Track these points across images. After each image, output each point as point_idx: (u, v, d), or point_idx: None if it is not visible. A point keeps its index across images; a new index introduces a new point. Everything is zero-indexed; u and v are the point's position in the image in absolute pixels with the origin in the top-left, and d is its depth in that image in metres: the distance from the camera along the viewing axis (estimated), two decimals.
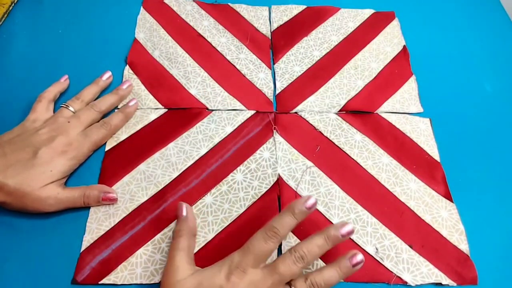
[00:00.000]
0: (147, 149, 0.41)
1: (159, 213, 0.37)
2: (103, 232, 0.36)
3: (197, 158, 0.40)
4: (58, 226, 0.36)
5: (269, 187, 0.39)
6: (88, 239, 0.35)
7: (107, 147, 0.40)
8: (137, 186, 0.38)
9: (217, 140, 0.42)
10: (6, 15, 0.50)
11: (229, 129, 0.42)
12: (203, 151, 0.41)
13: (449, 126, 0.45)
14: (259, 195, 0.39)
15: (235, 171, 0.40)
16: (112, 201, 0.37)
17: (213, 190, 0.39)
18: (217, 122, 0.43)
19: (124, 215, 0.37)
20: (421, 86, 0.48)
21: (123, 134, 0.41)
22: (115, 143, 0.41)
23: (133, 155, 0.40)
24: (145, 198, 0.38)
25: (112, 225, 0.36)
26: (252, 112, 0.44)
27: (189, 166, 0.40)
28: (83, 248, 0.35)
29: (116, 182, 0.39)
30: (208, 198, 0.38)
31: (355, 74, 0.48)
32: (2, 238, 0.35)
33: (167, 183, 0.39)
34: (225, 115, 0.43)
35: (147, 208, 0.37)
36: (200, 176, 0.39)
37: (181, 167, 0.40)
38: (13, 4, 0.51)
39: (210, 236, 0.36)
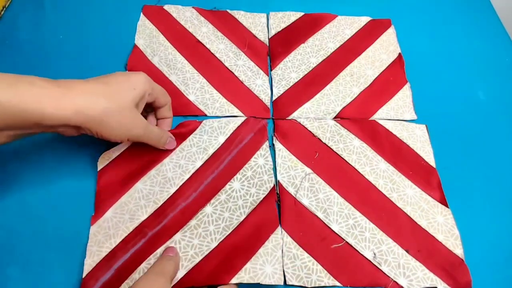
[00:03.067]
0: (142, 167, 0.40)
1: (160, 228, 0.37)
2: (104, 254, 0.35)
3: (193, 171, 0.40)
4: (58, 250, 0.36)
5: (266, 193, 0.40)
6: (89, 263, 0.35)
7: (100, 167, 0.40)
8: (136, 205, 0.38)
9: (211, 151, 0.42)
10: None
11: (222, 139, 0.43)
12: (199, 163, 0.41)
13: (443, 133, 0.46)
14: (258, 201, 0.39)
15: (232, 179, 0.40)
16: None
17: (212, 200, 0.39)
18: (209, 133, 0.43)
19: (125, 234, 0.36)
20: (415, 93, 0.48)
21: (115, 152, 0.41)
22: (107, 162, 0.40)
23: (128, 174, 0.40)
24: (145, 216, 0.37)
25: (113, 246, 0.36)
26: (243, 118, 0.44)
27: (186, 180, 0.40)
28: (85, 273, 0.34)
29: (114, 203, 0.38)
30: (208, 208, 0.38)
31: (350, 81, 0.49)
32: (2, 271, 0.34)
33: (166, 199, 0.39)
34: (216, 124, 0.43)
35: (148, 225, 0.37)
36: (198, 188, 0.40)
37: (178, 182, 0.40)
38: (4, 9, 0.51)
39: (213, 245, 0.36)
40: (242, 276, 0.34)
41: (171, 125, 0.42)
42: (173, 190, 0.39)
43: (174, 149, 0.42)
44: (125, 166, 0.40)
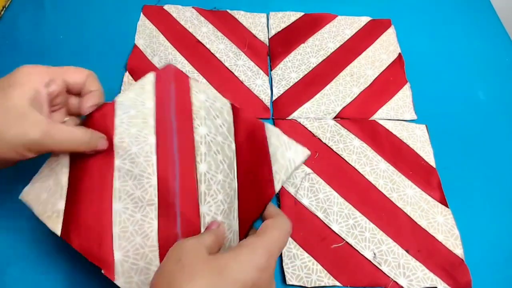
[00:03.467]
0: (100, 188, 0.32)
1: (181, 219, 0.31)
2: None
3: (154, 149, 0.32)
4: None
5: (231, 113, 0.36)
6: None
7: (56, 230, 0.30)
8: (136, 224, 0.31)
9: (151, 121, 0.34)
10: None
11: (150, 103, 0.35)
12: (151, 139, 0.33)
13: (443, 133, 0.46)
14: (232, 124, 0.36)
15: (194, 127, 0.34)
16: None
17: (197, 158, 0.33)
18: (133, 106, 0.35)
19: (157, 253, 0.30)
20: (415, 93, 0.48)
21: (56, 200, 0.31)
22: (59, 220, 0.31)
23: (97, 206, 0.31)
24: (156, 224, 0.31)
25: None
26: (152, 76, 0.37)
27: (156, 165, 0.32)
28: None
29: (112, 243, 0.30)
30: (201, 167, 0.33)
31: (350, 81, 0.49)
32: None
33: (156, 193, 0.32)
34: (132, 95, 0.35)
35: (166, 227, 0.31)
36: (174, 160, 0.32)
37: (150, 170, 0.32)
38: (4, 9, 0.51)
39: (236, 189, 0.33)
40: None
41: (101, 97, 0.33)
42: (154, 179, 0.32)
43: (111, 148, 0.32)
44: (82, 204, 0.31)
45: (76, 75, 0.31)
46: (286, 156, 0.33)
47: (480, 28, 0.57)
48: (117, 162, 0.32)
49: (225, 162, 0.34)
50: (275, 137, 0.35)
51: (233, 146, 0.35)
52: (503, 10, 0.61)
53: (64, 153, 0.31)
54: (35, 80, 0.29)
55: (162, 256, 0.30)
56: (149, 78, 0.37)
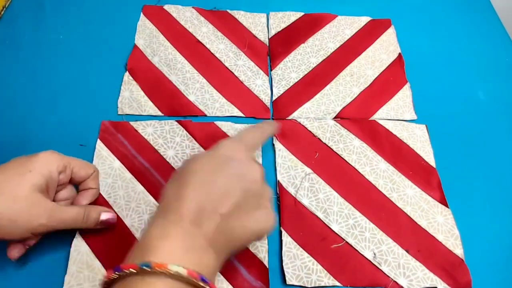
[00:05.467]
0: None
1: None
2: None
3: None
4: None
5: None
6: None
7: None
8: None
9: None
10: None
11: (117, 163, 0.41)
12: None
13: (443, 133, 0.46)
14: None
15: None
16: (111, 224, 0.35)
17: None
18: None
19: None
20: (415, 93, 0.48)
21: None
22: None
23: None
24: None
25: None
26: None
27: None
28: None
29: None
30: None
31: (350, 81, 0.49)
32: None
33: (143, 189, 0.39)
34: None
35: None
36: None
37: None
38: (4, 9, 0.51)
39: None
40: None
41: (96, 196, 0.36)
42: (140, 187, 0.39)
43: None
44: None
45: (83, 171, 0.35)
46: None
47: (480, 28, 0.57)
48: (127, 221, 0.37)
49: None
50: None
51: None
52: (503, 10, 0.61)
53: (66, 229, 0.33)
54: (52, 167, 0.32)
55: None
56: (99, 148, 0.41)
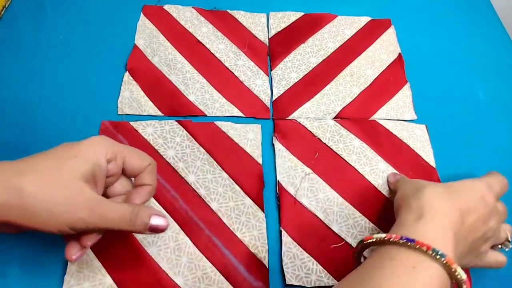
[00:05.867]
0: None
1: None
2: None
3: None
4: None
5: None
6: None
7: None
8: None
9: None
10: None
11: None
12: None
13: (443, 133, 0.46)
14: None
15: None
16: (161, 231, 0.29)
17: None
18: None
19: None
20: (415, 93, 0.48)
21: None
22: None
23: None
24: None
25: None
26: None
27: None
28: None
29: None
30: (190, 178, 0.40)
31: (350, 81, 0.49)
32: None
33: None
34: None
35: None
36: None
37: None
38: (4, 9, 0.51)
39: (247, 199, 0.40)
40: None
41: (152, 194, 0.32)
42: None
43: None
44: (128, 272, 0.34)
45: (137, 161, 0.31)
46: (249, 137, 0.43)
47: (480, 28, 0.57)
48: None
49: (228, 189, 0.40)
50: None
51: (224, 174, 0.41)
52: (503, 10, 0.61)
53: (108, 230, 0.29)
54: (100, 153, 0.28)
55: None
56: None
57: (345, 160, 0.43)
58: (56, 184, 0.26)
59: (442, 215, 0.29)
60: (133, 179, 0.33)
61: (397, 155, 0.43)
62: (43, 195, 0.25)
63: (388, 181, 0.41)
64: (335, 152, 0.43)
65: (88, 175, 0.27)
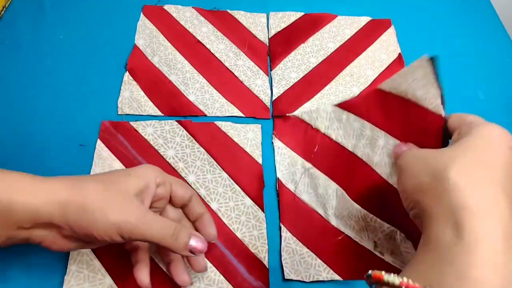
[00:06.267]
0: None
1: None
2: None
3: None
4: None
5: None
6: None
7: None
8: None
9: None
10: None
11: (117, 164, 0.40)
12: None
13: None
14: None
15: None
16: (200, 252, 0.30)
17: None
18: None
19: None
20: None
21: None
22: None
23: None
24: None
25: None
26: None
27: None
28: None
29: None
30: (190, 178, 0.40)
31: (350, 81, 0.49)
32: None
33: None
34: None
35: None
36: None
37: None
38: (4, 9, 0.51)
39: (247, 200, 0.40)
40: None
41: (213, 222, 0.34)
42: None
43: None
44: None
45: (181, 190, 0.33)
46: None
47: (480, 28, 0.57)
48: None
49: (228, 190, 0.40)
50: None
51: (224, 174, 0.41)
52: (503, 10, 0.61)
53: (152, 243, 0.30)
54: (150, 176, 0.31)
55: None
56: (99, 148, 0.41)
57: (345, 147, 0.40)
58: (113, 191, 0.28)
59: (490, 221, 0.21)
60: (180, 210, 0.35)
61: (408, 129, 0.34)
62: (102, 196, 0.27)
63: (392, 157, 0.32)
64: (334, 141, 0.41)
65: (138, 191, 0.29)
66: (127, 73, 0.47)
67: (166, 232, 0.28)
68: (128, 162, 0.40)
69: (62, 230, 0.27)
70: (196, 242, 0.30)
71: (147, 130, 0.43)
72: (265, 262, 0.36)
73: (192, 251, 0.29)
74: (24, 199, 0.25)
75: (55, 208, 0.25)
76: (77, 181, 0.28)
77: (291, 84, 0.48)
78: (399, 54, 0.52)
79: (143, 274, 0.30)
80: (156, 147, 0.42)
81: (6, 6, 0.52)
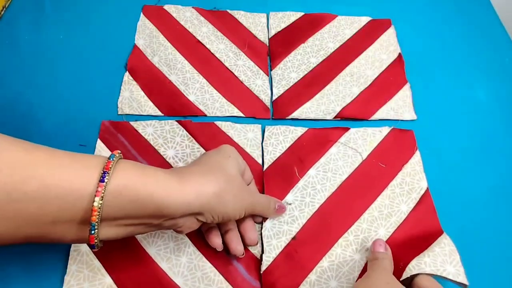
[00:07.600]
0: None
1: None
2: None
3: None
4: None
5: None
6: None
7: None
8: None
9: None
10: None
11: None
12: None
13: (443, 132, 0.46)
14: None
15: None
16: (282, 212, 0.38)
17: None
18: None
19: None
20: (415, 93, 0.48)
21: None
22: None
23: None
24: None
25: None
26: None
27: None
28: None
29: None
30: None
31: (350, 81, 0.49)
32: None
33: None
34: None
35: None
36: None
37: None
38: (4, 9, 0.51)
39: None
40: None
41: (255, 227, 0.38)
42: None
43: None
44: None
45: (248, 172, 0.38)
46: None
47: (480, 28, 0.57)
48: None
49: None
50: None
51: None
52: (503, 10, 0.61)
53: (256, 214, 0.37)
54: (236, 155, 0.35)
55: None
56: (99, 148, 0.41)
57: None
58: (232, 176, 0.33)
59: None
60: None
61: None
62: (230, 187, 0.32)
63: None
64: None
65: (240, 172, 0.34)
66: (127, 73, 0.47)
67: (267, 205, 0.36)
68: None
69: (200, 216, 0.31)
70: (279, 208, 0.38)
71: (147, 130, 0.43)
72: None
73: (278, 211, 0.38)
74: (178, 197, 0.29)
75: (203, 200, 0.30)
76: (203, 177, 0.31)
77: (291, 84, 0.48)
78: (399, 54, 0.52)
79: (215, 238, 0.35)
80: (156, 147, 0.42)
81: (6, 6, 0.52)
